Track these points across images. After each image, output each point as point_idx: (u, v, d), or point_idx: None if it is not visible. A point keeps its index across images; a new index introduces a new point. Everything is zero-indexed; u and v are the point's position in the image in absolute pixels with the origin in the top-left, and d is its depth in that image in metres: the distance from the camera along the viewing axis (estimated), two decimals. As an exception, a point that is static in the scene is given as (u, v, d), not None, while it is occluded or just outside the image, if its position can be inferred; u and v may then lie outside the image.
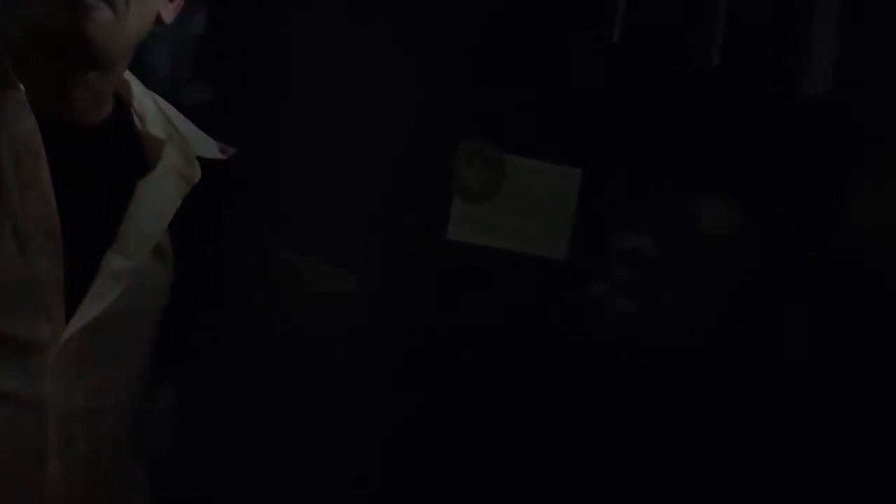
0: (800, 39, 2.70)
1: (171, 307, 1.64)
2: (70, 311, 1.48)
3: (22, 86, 1.47)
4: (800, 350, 2.61)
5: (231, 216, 1.72)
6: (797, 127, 2.69)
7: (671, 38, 2.72)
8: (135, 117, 1.61)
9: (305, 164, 2.60)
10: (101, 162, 1.55)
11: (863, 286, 2.58)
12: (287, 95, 2.64)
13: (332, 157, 2.63)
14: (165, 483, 1.79)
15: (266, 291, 2.55)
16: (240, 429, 2.53)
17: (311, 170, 2.60)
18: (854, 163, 2.66)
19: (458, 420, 2.63)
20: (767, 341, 2.62)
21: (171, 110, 1.66)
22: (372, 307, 2.65)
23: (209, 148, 1.66)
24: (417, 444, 2.62)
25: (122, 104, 1.60)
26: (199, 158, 1.62)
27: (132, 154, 1.58)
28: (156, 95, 1.66)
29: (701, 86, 2.71)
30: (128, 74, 1.61)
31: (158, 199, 1.56)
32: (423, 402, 2.62)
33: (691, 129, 2.70)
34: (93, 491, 1.54)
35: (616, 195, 2.73)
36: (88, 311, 1.48)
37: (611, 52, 2.71)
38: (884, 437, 2.47)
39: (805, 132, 2.69)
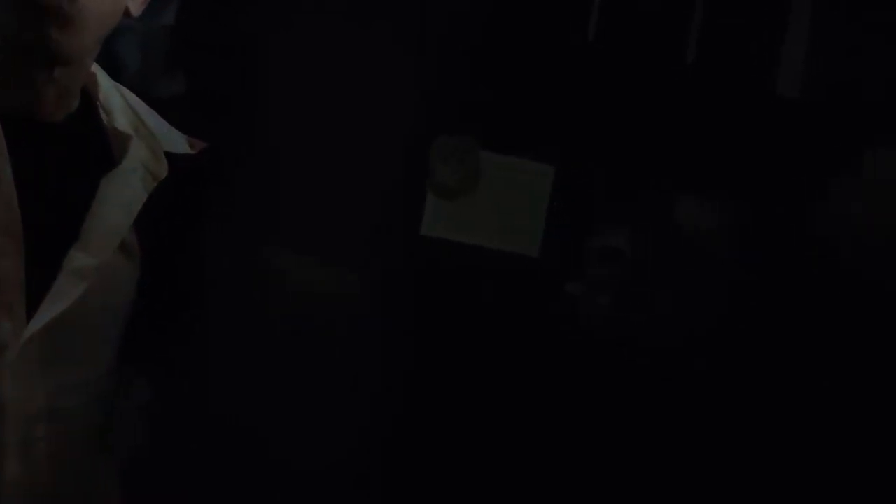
0: (774, 39, 2.70)
1: (139, 303, 1.61)
2: (32, 311, 1.46)
3: None
4: (787, 348, 2.61)
5: (200, 211, 1.70)
6: (773, 125, 2.69)
7: (647, 36, 2.72)
8: (101, 111, 1.58)
9: (293, 162, 2.59)
10: (65, 158, 1.53)
11: (838, 284, 2.58)
12: (261, 88, 2.63)
13: (318, 154, 2.62)
14: (135, 482, 1.77)
15: (252, 290, 2.54)
16: (215, 427, 2.52)
17: (297, 168, 2.59)
18: (832, 162, 2.67)
19: (452, 418, 2.63)
20: (755, 339, 2.62)
21: (139, 104, 1.64)
22: (362, 306, 2.64)
23: (177, 142, 1.64)
24: (412, 443, 2.62)
25: (89, 98, 1.58)
26: (168, 153, 1.60)
27: (98, 149, 1.56)
28: (123, 88, 1.64)
29: (678, 84, 2.71)
30: (94, 67, 1.59)
31: (124, 194, 1.53)
32: (417, 401, 2.62)
33: (670, 126, 2.70)
34: (55, 491, 1.52)
35: (594, 193, 2.73)
36: (49, 311, 1.46)
37: (587, 51, 2.71)
38: (882, 436, 2.47)
39: (781, 130, 2.69)
